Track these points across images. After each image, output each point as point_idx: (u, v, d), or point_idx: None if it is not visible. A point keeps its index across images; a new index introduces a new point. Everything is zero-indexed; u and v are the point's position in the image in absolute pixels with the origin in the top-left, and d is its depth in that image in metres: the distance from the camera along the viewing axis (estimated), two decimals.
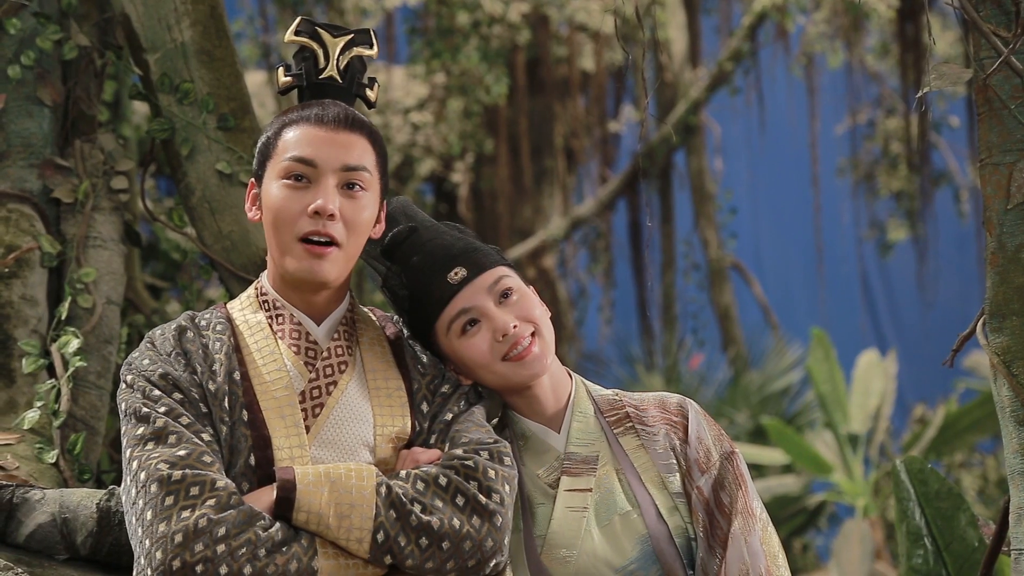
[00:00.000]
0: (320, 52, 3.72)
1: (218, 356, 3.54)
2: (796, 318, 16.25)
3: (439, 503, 3.36)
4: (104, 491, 4.13)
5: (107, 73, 5.60)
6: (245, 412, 3.48)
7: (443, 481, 3.39)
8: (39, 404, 4.82)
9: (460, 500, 3.38)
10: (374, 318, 3.77)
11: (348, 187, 3.55)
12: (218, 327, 3.62)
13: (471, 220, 15.45)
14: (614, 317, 16.54)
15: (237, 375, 3.51)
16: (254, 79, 13.84)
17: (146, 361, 3.57)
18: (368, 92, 3.80)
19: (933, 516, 5.18)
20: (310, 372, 3.56)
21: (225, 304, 3.73)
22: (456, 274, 3.67)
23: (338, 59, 3.72)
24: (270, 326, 3.61)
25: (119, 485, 4.07)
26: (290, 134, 3.59)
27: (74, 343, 4.98)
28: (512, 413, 3.83)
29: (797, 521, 13.66)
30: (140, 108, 6.28)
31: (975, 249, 15.25)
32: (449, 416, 3.60)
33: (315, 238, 3.50)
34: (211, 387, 3.49)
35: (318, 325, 3.61)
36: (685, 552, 3.66)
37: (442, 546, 3.33)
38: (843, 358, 13.64)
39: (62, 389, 4.84)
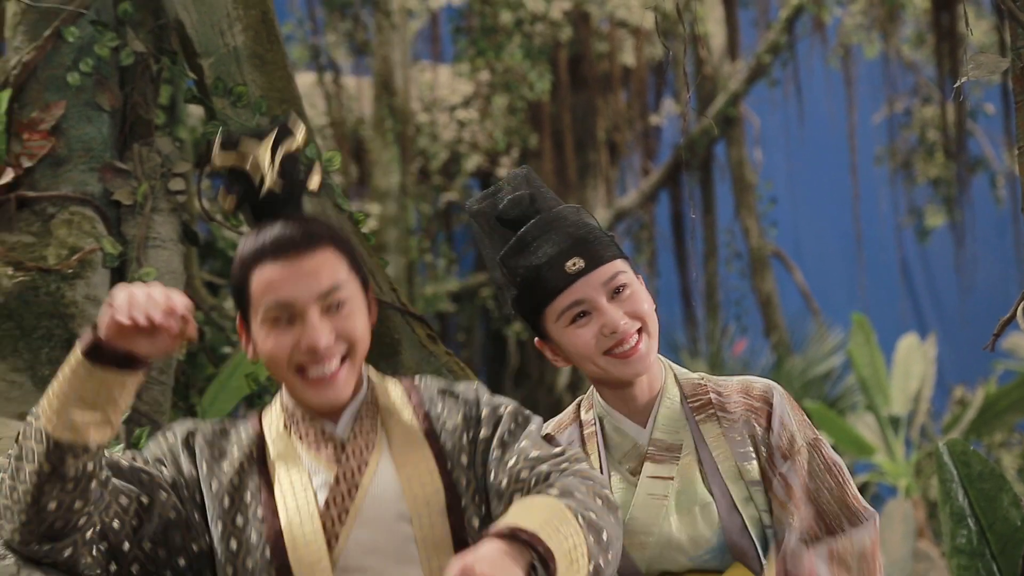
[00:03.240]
0: (251, 166, 3.48)
1: (236, 459, 3.53)
2: (836, 304, 16.19)
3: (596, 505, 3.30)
4: None
5: (163, 78, 5.63)
6: (262, 513, 3.45)
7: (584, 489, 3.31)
8: None
9: (599, 501, 3.31)
10: (399, 391, 3.66)
11: (334, 309, 3.45)
12: (244, 438, 3.59)
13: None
14: (659, 305, 16.37)
15: (255, 475, 3.50)
16: (304, 80, 13.86)
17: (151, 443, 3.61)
18: (309, 186, 3.58)
19: (976, 497, 5.16)
20: (336, 465, 3.48)
21: (260, 416, 3.66)
22: (574, 265, 3.59)
23: (274, 165, 3.48)
24: (292, 432, 3.55)
25: None
26: (257, 279, 3.43)
27: None
28: (600, 399, 3.78)
29: None
30: (195, 111, 6.29)
31: (1011, 233, 15.20)
32: (504, 437, 3.51)
33: (316, 373, 3.43)
34: (213, 486, 3.48)
35: (336, 423, 3.53)
36: (760, 541, 3.62)
37: (609, 551, 3.27)
38: (883, 342, 13.59)
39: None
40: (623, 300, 3.62)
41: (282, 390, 3.59)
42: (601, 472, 3.69)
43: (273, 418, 3.60)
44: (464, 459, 3.50)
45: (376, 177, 14.20)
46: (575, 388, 15.12)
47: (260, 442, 3.57)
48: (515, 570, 2.94)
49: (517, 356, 15.72)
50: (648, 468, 3.68)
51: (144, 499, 3.43)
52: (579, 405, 3.88)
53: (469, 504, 3.46)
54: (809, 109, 15.62)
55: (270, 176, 3.45)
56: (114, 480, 3.40)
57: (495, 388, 5.45)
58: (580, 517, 3.15)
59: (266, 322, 3.42)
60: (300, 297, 3.40)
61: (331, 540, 3.42)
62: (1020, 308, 4.35)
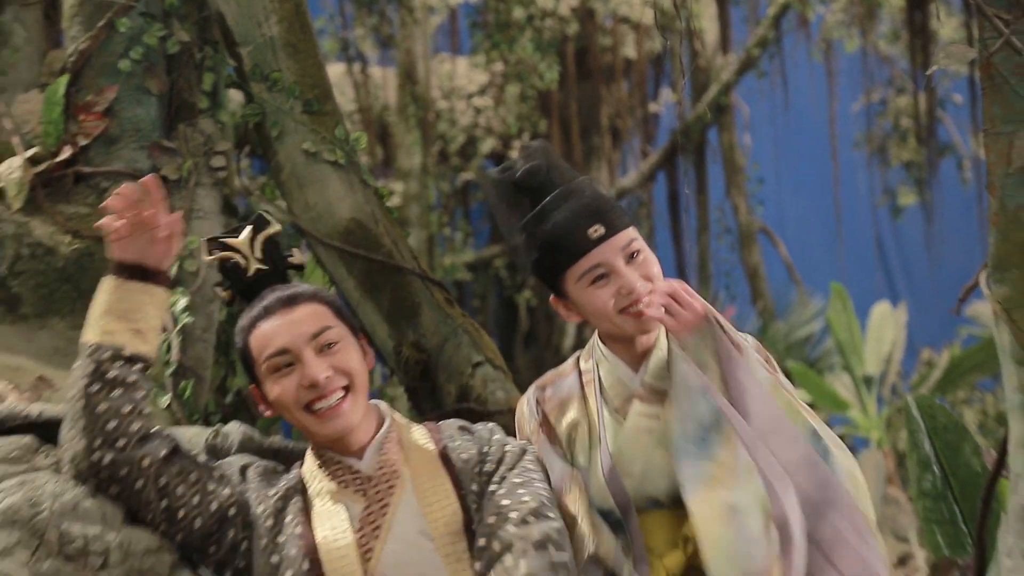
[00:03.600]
0: (239, 256, 3.70)
1: (281, 488, 3.66)
2: (817, 275, 16.18)
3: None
4: (211, 430, 4.13)
5: (205, 65, 5.61)
6: (300, 531, 3.56)
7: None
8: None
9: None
10: (422, 431, 3.77)
11: (326, 349, 3.59)
12: (290, 475, 3.71)
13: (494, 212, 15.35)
14: None
15: (299, 502, 3.62)
16: (334, 70, 13.84)
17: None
18: (292, 261, 3.81)
19: (940, 446, 5.16)
20: (364, 495, 3.59)
21: (303, 461, 3.75)
22: (595, 231, 3.64)
23: (255, 252, 3.71)
24: (324, 470, 3.65)
25: (224, 424, 4.12)
26: (254, 339, 3.60)
27: (182, 302, 5.01)
28: (602, 347, 3.83)
29: None
30: (235, 96, 6.28)
31: (976, 212, 15.18)
32: (496, 484, 3.63)
33: (322, 405, 3.56)
34: (260, 508, 3.61)
35: (360, 459, 3.63)
36: None
37: None
38: (859, 309, 13.62)
39: (173, 342, 4.87)
40: (638, 264, 3.68)
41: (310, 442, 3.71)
42: (596, 411, 3.78)
43: (308, 461, 3.69)
44: (475, 487, 3.61)
45: (399, 158, 14.21)
46: (578, 348, 15.05)
47: (301, 479, 3.67)
48: None
49: (527, 321, 15.71)
50: (637, 406, 3.74)
51: (210, 485, 3.57)
52: (578, 358, 3.94)
53: (480, 525, 3.55)
54: (794, 98, 15.60)
55: (253, 261, 3.67)
56: (189, 462, 3.59)
57: (506, 349, 5.46)
58: None
59: (270, 373, 3.58)
60: (294, 342, 3.56)
61: (366, 553, 3.51)
62: (983, 277, 4.36)
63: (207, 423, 4.87)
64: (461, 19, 15.14)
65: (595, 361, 3.87)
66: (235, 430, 4.12)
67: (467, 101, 15.49)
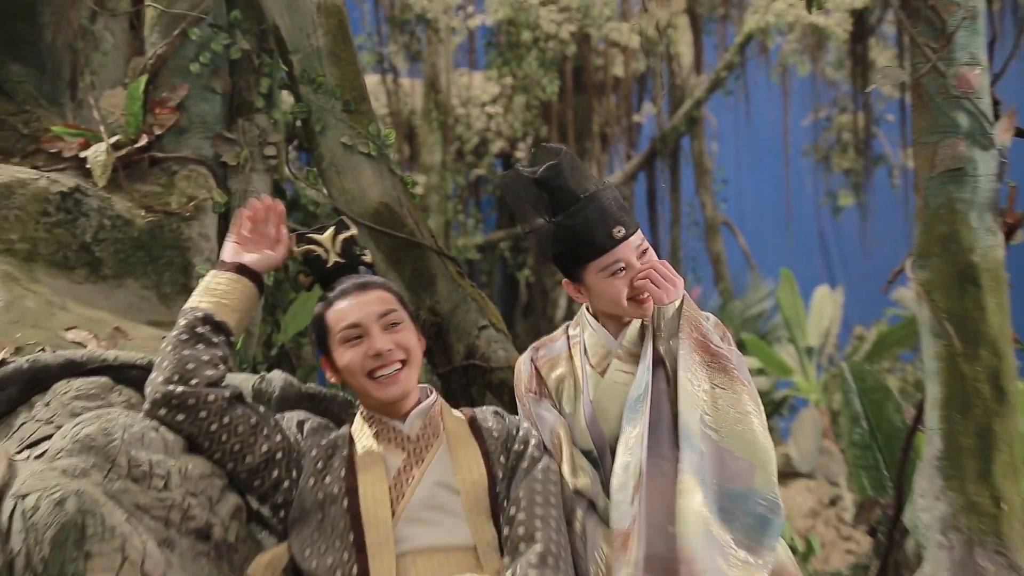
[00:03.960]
0: (321, 250, 3.80)
1: (331, 439, 3.72)
2: (769, 261, 16.18)
3: None
4: (257, 376, 4.13)
5: (262, 70, 5.60)
6: (344, 474, 3.60)
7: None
8: None
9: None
10: (459, 413, 3.83)
11: (391, 327, 3.67)
12: (340, 431, 3.77)
13: (506, 197, 15.33)
14: None
15: (345, 452, 3.67)
16: (370, 80, 13.81)
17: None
18: (365, 259, 3.89)
19: (868, 404, 5.15)
20: (403, 451, 3.64)
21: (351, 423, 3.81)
22: (618, 232, 3.70)
23: (336, 249, 3.82)
24: (371, 430, 3.70)
25: (268, 372, 4.11)
26: (331, 315, 3.68)
27: None
28: (589, 318, 3.90)
29: (766, 411, 13.64)
30: (286, 97, 6.27)
31: (902, 212, 15.21)
32: (526, 463, 3.69)
33: (383, 372, 3.63)
34: (313, 452, 3.68)
35: (403, 421, 3.68)
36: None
37: None
38: (803, 291, 13.64)
39: None
40: (646, 261, 3.76)
41: (360, 406, 3.76)
42: (580, 368, 3.87)
43: (357, 423, 3.74)
44: (502, 459, 3.68)
45: (423, 155, 14.20)
46: (569, 320, 15.05)
47: (350, 435, 3.72)
48: None
49: (526, 294, 15.69)
50: (615, 364, 3.81)
51: (265, 430, 3.62)
52: (567, 327, 4.02)
53: (503, 490, 3.62)
54: (754, 113, 15.59)
55: (333, 255, 3.80)
56: (251, 409, 3.64)
57: (508, 318, 5.44)
58: None
59: (342, 343, 3.65)
60: (364, 318, 3.64)
61: (397, 499, 3.55)
62: (908, 263, 4.35)
63: (254, 371, 4.86)
64: (478, 39, 15.11)
65: (581, 328, 3.93)
66: (277, 377, 4.13)
67: (481, 108, 15.45)
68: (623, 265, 3.72)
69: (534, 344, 4.05)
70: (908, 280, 4.35)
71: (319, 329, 3.72)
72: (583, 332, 3.93)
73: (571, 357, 3.93)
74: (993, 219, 4.30)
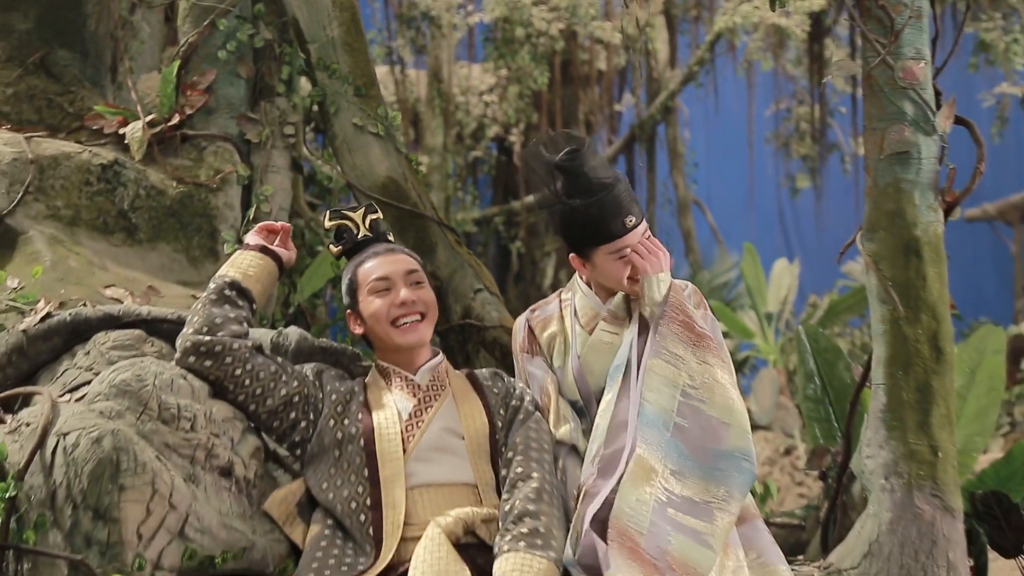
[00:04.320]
0: (352, 225, 3.89)
1: (350, 385, 3.78)
2: (734, 237, 16.18)
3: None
4: (275, 331, 4.13)
5: (283, 58, 5.57)
6: (361, 417, 3.65)
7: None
8: None
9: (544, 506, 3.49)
10: (462, 373, 3.88)
11: (415, 284, 3.76)
12: (357, 380, 3.83)
13: (521, 168, 15.36)
14: None
15: (361, 397, 3.72)
16: (380, 71, 13.72)
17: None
18: (389, 237, 4.02)
19: (821, 363, 5.16)
20: (414, 398, 3.69)
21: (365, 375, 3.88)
22: (630, 221, 3.73)
23: (365, 224, 3.91)
24: (385, 379, 3.77)
25: (286, 328, 4.11)
26: (362, 270, 3.79)
27: None
28: (582, 284, 3.93)
29: None
30: (304, 83, 6.25)
31: (853, 194, 15.22)
32: (522, 416, 3.73)
33: (405, 320, 3.71)
34: (333, 396, 3.72)
35: (415, 374, 3.74)
36: None
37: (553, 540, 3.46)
38: (765, 263, 13.67)
39: None
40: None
41: (376, 359, 3.83)
42: (570, 327, 3.92)
43: (372, 375, 3.81)
44: (501, 412, 3.73)
45: (426, 138, 14.19)
46: (555, 286, 15.14)
47: (366, 383, 3.78)
48: None
49: (517, 264, 15.66)
50: (602, 325, 3.85)
51: (284, 377, 3.66)
52: (560, 292, 4.06)
53: (501, 437, 3.66)
54: (722, 104, 15.55)
55: (362, 229, 3.89)
56: (271, 358, 3.70)
57: (500, 286, 5.42)
58: (543, 554, 3.32)
59: (371, 293, 3.73)
60: (392, 273, 3.74)
61: (408, 439, 3.60)
62: (858, 236, 4.36)
63: (273, 327, 4.85)
64: (477, 35, 15.05)
65: (573, 293, 3.97)
66: (294, 332, 4.14)
67: (479, 97, 15.41)
68: (630, 250, 3.75)
69: (531, 307, 4.09)
70: (858, 253, 4.36)
71: (350, 284, 3.80)
72: (574, 296, 3.96)
73: (562, 318, 3.96)
74: (934, 198, 4.32)
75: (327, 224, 3.92)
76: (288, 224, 3.97)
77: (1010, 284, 16.57)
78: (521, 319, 4.04)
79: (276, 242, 3.95)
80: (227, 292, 3.71)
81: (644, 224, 3.79)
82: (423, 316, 3.75)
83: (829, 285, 15.04)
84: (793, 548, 4.29)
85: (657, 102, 15.57)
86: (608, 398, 3.66)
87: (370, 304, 3.72)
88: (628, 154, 16.15)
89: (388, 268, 3.76)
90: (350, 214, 3.91)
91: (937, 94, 4.39)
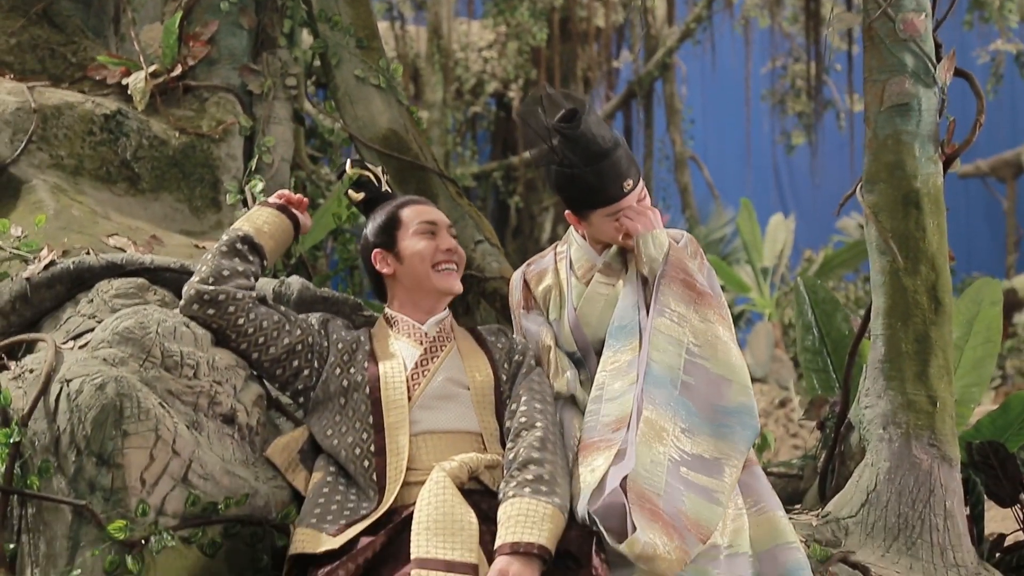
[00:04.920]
0: (373, 177, 3.88)
1: (356, 334, 3.74)
2: (730, 192, 16.14)
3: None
4: (277, 280, 4.10)
5: (285, 10, 5.51)
6: (367, 365, 3.62)
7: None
8: None
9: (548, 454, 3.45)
10: (463, 328, 3.87)
11: (453, 235, 3.79)
12: (364, 330, 3.79)
13: (519, 126, 15.32)
14: None
15: (367, 346, 3.67)
16: (380, 26, 13.64)
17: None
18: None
19: (819, 314, 5.13)
20: (422, 346, 3.66)
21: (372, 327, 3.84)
22: (627, 185, 3.68)
23: (385, 180, 3.94)
24: (392, 328, 3.74)
25: (287, 278, 4.08)
26: (408, 211, 3.77)
27: (260, 185, 4.97)
28: (577, 237, 3.89)
29: None
30: (307, 35, 6.21)
31: (848, 150, 15.20)
32: (525, 369, 3.71)
33: (447, 266, 3.72)
34: (339, 344, 3.67)
35: (423, 324, 3.70)
36: None
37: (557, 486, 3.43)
38: (760, 218, 13.62)
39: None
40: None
41: (386, 309, 3.80)
42: (565, 279, 3.88)
43: (380, 325, 3.77)
44: (505, 366, 3.70)
45: (426, 93, 14.17)
46: (552, 240, 15.10)
47: (372, 332, 3.74)
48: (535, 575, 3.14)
49: (515, 219, 15.66)
50: (598, 277, 3.81)
51: (287, 326, 3.63)
52: (556, 245, 4.01)
53: (506, 390, 3.63)
54: (719, 61, 15.50)
55: (384, 183, 3.90)
56: (274, 308, 3.68)
57: (499, 239, 5.39)
58: (547, 500, 3.27)
59: (417, 233, 3.71)
60: (439, 220, 3.79)
61: (413, 388, 3.57)
62: (858, 188, 4.34)
63: (274, 277, 4.82)
64: None
65: (568, 245, 3.92)
66: (295, 281, 4.12)
67: (478, 53, 15.37)
68: (624, 213, 3.72)
69: (527, 261, 4.06)
70: (853, 208, 4.35)
71: (388, 223, 3.76)
72: (569, 248, 3.92)
73: (557, 271, 3.92)
74: (934, 150, 4.31)
75: (349, 171, 3.91)
76: (305, 198, 3.94)
77: (1002, 239, 16.57)
78: (517, 274, 4.01)
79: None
80: (239, 246, 3.68)
81: (641, 184, 3.74)
82: (458, 267, 3.77)
83: (824, 240, 15.04)
84: (790, 497, 4.27)
85: (655, 59, 15.51)
86: (617, 359, 3.61)
87: (415, 243, 3.70)
88: (626, 110, 16.11)
89: (435, 215, 3.79)
90: (372, 167, 3.92)
91: (937, 46, 4.37)
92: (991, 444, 4.54)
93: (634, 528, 3.16)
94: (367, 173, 3.89)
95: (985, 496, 4.56)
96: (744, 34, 15.60)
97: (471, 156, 15.43)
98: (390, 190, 3.92)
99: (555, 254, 3.97)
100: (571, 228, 3.92)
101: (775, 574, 3.47)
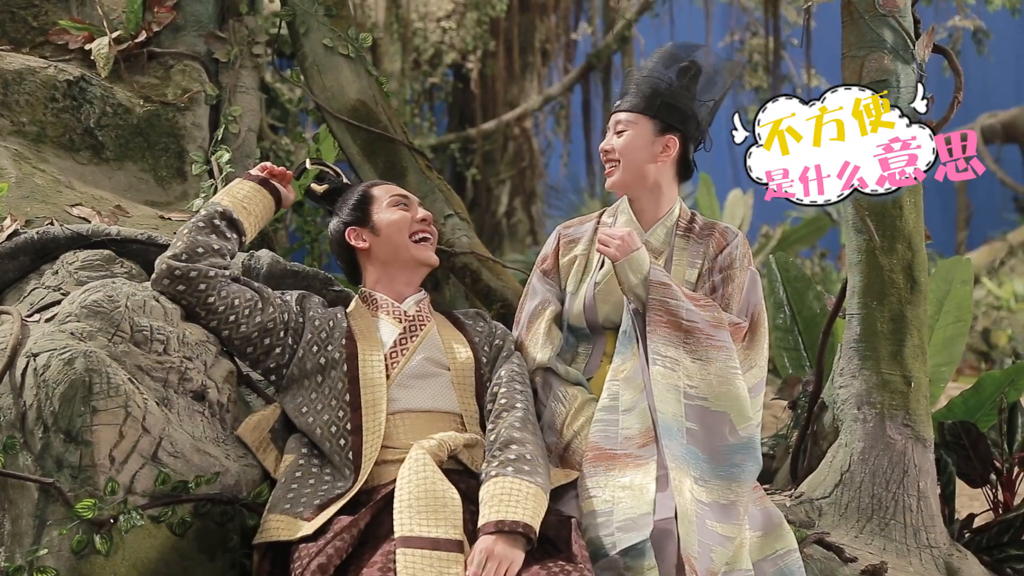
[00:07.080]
0: (330, 171, 3.91)
1: (333, 312, 3.68)
2: None
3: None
4: (246, 254, 4.02)
5: None
6: (345, 343, 3.57)
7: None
8: (203, 195, 4.71)
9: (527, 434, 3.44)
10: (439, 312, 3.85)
11: (424, 209, 3.78)
12: (341, 308, 3.73)
13: (478, 95, 15.21)
14: (569, 162, 16.46)
15: (344, 324, 3.62)
16: None
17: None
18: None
19: (791, 292, 5.11)
20: (400, 325, 3.62)
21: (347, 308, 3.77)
22: (617, 103, 4.00)
23: (343, 177, 3.94)
24: (371, 307, 3.69)
25: (257, 252, 4.01)
26: (378, 188, 3.78)
27: (226, 156, 4.86)
28: (631, 213, 3.84)
29: None
30: (268, 6, 6.12)
31: None
32: (505, 353, 3.69)
33: (423, 236, 3.70)
34: (316, 322, 3.61)
35: (401, 303, 3.66)
36: None
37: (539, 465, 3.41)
38: (719, 193, 13.64)
39: (217, 185, 4.71)
40: (613, 141, 3.91)
41: (362, 288, 3.76)
42: (595, 255, 3.83)
43: (356, 304, 3.72)
44: (486, 349, 3.68)
45: (384, 63, 14.04)
46: (509, 214, 15.13)
47: (349, 311, 3.69)
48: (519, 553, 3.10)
49: (472, 191, 15.56)
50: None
51: (260, 304, 3.55)
52: (601, 214, 3.97)
53: (486, 372, 3.61)
54: (678, 34, 15.47)
55: (344, 178, 3.92)
56: (247, 285, 3.59)
57: None
58: (530, 480, 3.24)
59: (391, 205, 3.71)
60: (411, 195, 3.80)
61: (391, 366, 3.54)
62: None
63: (244, 251, 4.74)
64: None
65: (615, 217, 3.87)
66: (265, 255, 4.06)
67: (437, 23, 15.25)
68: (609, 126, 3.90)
69: (566, 222, 4.02)
70: None
71: (361, 200, 3.73)
72: (616, 222, 3.86)
73: (592, 241, 3.86)
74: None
75: (309, 166, 3.93)
76: (289, 172, 3.87)
77: (953, 216, 16.65)
78: (554, 233, 3.95)
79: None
80: (216, 221, 3.59)
81: (631, 116, 3.92)
82: (432, 239, 3.74)
83: (780, 216, 15.07)
84: (761, 477, 4.22)
85: (614, 32, 15.44)
86: (624, 365, 3.58)
87: (390, 214, 3.68)
88: (584, 83, 16.05)
89: (406, 191, 3.81)
90: (331, 165, 3.95)
91: (916, 22, 4.34)
92: (963, 424, 4.53)
93: None
94: (327, 170, 3.89)
95: (956, 476, 4.55)
96: (704, 7, 15.57)
97: (428, 128, 15.34)
98: (349, 182, 3.90)
99: (597, 223, 3.92)
100: (623, 199, 3.86)
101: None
